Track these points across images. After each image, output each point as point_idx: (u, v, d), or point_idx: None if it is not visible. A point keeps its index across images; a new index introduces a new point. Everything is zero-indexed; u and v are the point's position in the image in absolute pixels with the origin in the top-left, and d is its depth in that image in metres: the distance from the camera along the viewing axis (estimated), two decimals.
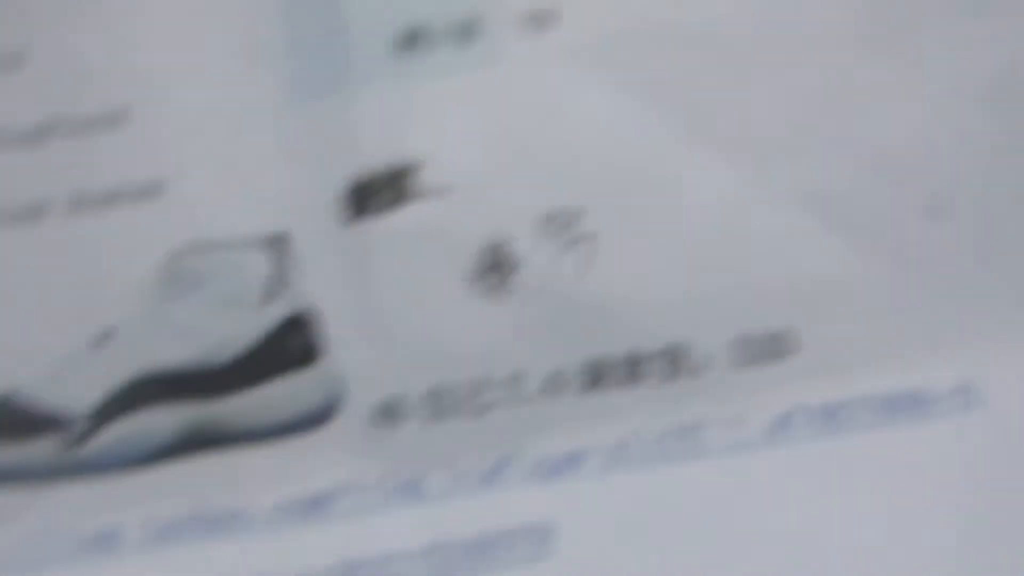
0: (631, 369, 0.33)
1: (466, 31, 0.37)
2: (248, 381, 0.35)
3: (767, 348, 0.33)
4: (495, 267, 0.34)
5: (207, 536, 0.34)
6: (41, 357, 0.36)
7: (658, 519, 0.31)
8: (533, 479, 0.33)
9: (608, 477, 0.32)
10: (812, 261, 0.33)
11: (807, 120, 0.34)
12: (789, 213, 0.33)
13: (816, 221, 0.33)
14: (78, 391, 0.36)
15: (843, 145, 0.34)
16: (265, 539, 0.33)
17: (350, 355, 0.34)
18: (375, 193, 0.35)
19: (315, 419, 0.34)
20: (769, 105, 0.34)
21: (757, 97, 0.34)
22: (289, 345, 0.35)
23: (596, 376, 0.33)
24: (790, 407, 0.32)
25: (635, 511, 0.32)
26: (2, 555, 0.34)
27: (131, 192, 0.36)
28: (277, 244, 0.35)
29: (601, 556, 0.31)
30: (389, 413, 0.34)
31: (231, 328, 0.35)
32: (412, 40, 0.37)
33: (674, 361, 0.33)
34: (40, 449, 0.35)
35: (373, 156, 0.35)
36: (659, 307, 0.33)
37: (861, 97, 0.35)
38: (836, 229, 0.33)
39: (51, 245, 0.36)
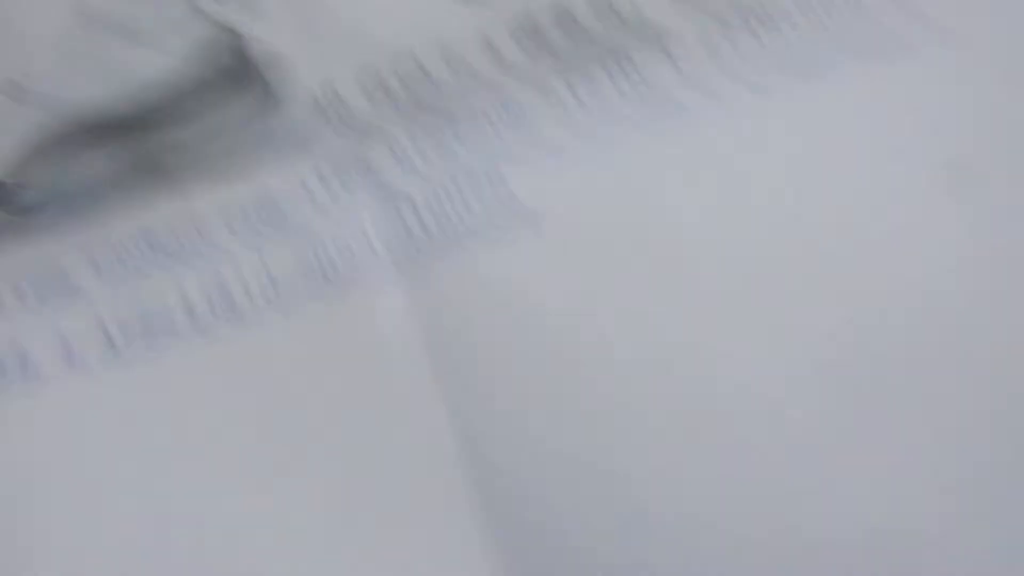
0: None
1: None
2: (186, 111, 0.34)
3: None
4: None
5: (164, 266, 0.33)
6: None
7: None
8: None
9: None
10: None
11: None
12: None
13: None
14: None
15: None
16: (227, 258, 0.33)
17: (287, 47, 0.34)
18: None
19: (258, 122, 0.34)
20: None
21: None
22: (221, 62, 0.34)
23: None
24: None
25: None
26: None
27: None
28: None
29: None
30: (330, 100, 0.34)
31: (155, 61, 0.34)
32: None
33: None
34: None
35: None
36: None
37: None
38: None
39: None
